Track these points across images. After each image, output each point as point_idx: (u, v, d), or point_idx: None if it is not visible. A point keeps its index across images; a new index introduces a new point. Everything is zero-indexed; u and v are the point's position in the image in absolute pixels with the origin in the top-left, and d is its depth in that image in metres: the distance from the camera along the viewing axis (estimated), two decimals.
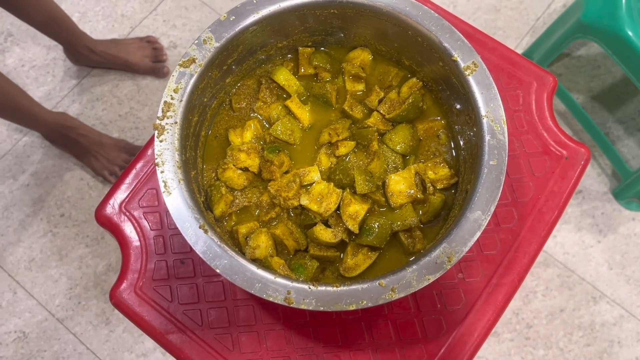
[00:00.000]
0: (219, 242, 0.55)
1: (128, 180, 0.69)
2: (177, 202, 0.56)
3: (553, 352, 1.32)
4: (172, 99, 0.60)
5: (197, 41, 0.62)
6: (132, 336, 1.35)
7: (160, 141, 0.58)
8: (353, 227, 0.64)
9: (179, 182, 0.57)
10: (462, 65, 0.61)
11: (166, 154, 0.58)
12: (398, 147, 0.67)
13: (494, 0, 1.59)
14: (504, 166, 0.57)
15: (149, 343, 1.35)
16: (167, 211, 0.67)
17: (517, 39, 1.55)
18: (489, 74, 0.60)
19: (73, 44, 1.44)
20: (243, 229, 0.64)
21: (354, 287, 0.54)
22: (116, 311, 1.35)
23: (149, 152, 0.71)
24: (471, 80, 0.60)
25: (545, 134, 0.69)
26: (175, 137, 0.59)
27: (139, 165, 0.70)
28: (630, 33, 1.11)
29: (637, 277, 1.37)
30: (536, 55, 1.43)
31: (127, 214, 0.67)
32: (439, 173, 0.66)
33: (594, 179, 1.44)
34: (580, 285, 1.37)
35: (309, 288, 0.54)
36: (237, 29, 0.63)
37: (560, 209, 0.66)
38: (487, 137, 0.58)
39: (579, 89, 1.51)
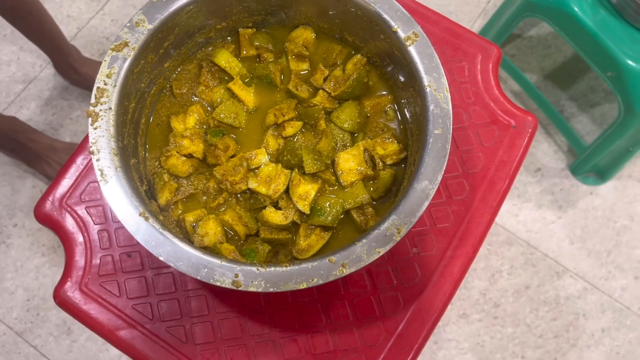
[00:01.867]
0: (160, 229, 0.53)
1: (68, 174, 0.67)
2: (114, 190, 0.54)
3: (521, 329, 1.33)
4: (105, 84, 0.57)
5: (129, 24, 0.60)
6: (95, 344, 1.31)
7: (95, 128, 0.56)
8: (304, 207, 0.62)
9: (116, 169, 0.55)
10: (403, 36, 0.60)
11: (101, 141, 0.56)
12: (346, 125, 0.66)
13: None
14: (449, 134, 0.56)
15: (114, 351, 1.32)
16: None
17: (469, 22, 1.56)
18: (430, 44, 0.59)
19: (59, 59, 1.40)
20: (190, 217, 0.62)
21: (303, 265, 0.53)
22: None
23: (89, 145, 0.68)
24: (412, 51, 0.59)
25: (492, 104, 0.69)
26: (110, 123, 0.56)
27: (79, 159, 0.67)
28: (576, 9, 1.13)
29: (597, 250, 1.39)
30: (488, 36, 1.44)
31: (69, 209, 0.65)
32: (388, 149, 0.65)
33: (551, 157, 1.46)
34: (544, 261, 1.38)
35: (257, 270, 0.52)
36: (170, 10, 0.60)
37: (511, 177, 0.66)
38: (430, 107, 0.57)
39: (532, 69, 1.53)
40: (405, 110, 0.65)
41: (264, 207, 0.63)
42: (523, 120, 0.68)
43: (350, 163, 0.64)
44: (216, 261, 0.53)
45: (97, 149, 0.55)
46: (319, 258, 0.53)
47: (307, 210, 0.62)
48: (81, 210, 0.65)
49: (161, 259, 0.52)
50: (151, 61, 0.62)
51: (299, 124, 0.66)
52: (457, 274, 0.63)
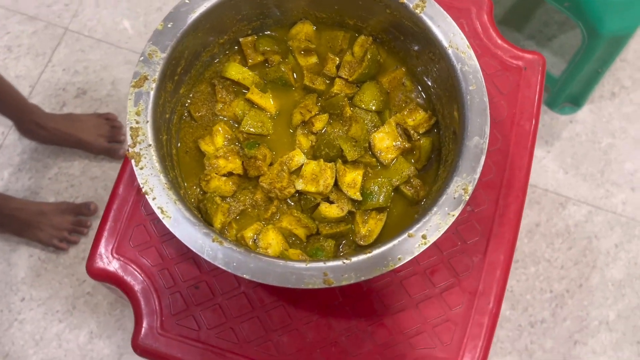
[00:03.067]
0: (238, 249, 0.53)
1: (109, 225, 0.65)
2: (180, 224, 0.53)
3: (542, 266, 1.37)
4: (137, 122, 0.56)
5: (142, 57, 0.58)
6: None
7: (141, 168, 0.55)
8: (355, 195, 0.63)
9: (175, 203, 0.54)
10: (411, 5, 0.61)
11: (151, 179, 0.54)
12: (371, 105, 0.66)
13: None
14: (484, 87, 0.58)
15: None
16: (164, 241, 0.63)
17: None
18: (438, 6, 0.60)
19: (22, 119, 1.33)
20: (249, 233, 0.61)
21: (386, 246, 0.53)
22: None
23: (120, 190, 0.66)
24: (424, 17, 0.60)
25: (499, 53, 0.70)
26: (154, 159, 0.55)
27: (115, 207, 0.65)
28: None
29: (591, 173, 1.45)
30: None
31: (122, 258, 0.63)
32: (417, 118, 0.66)
33: None
34: (546, 196, 1.43)
35: (344, 263, 0.52)
36: (178, 35, 0.59)
37: (536, 117, 0.68)
38: (458, 66, 0.59)
39: None
40: (424, 77, 0.66)
41: (317, 205, 0.63)
42: (531, 61, 0.70)
43: (386, 141, 0.65)
44: (301, 265, 0.52)
45: (149, 189, 0.54)
46: (397, 236, 0.54)
47: (359, 197, 0.63)
48: (135, 256, 0.63)
49: (247, 277, 0.52)
50: (169, 90, 0.61)
51: (325, 116, 0.66)
52: (514, 220, 0.65)
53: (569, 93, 1.43)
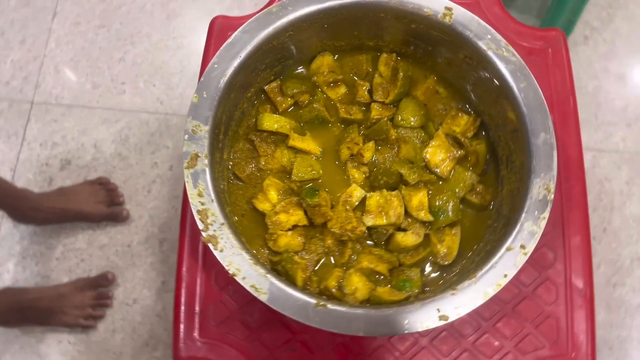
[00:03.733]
0: (343, 308, 0.51)
1: (183, 310, 0.62)
2: (280, 297, 0.51)
3: None
4: (202, 204, 0.53)
5: (186, 136, 0.55)
6: None
7: (221, 251, 0.52)
8: (426, 216, 0.61)
9: (266, 276, 0.52)
10: (438, 16, 0.59)
11: (236, 259, 0.52)
12: (413, 122, 0.65)
13: None
14: (535, 82, 0.57)
15: None
16: (244, 311, 0.61)
17: None
18: (465, 10, 0.59)
19: (15, 207, 1.26)
20: (332, 282, 0.60)
21: (488, 266, 0.52)
22: None
23: (184, 273, 0.63)
24: (456, 25, 0.59)
25: (520, 39, 0.70)
26: (231, 238, 0.53)
27: (184, 291, 0.62)
28: None
29: (586, 119, 1.47)
30: None
31: (209, 341, 0.60)
32: (461, 124, 0.65)
33: None
34: None
35: (452, 294, 0.51)
36: (216, 102, 0.57)
37: (572, 93, 0.68)
38: (502, 66, 0.58)
39: None
40: (462, 81, 0.65)
41: (390, 236, 0.61)
42: (553, 38, 0.70)
43: (439, 155, 0.64)
44: (412, 307, 0.51)
45: (236, 269, 0.51)
46: (496, 251, 0.53)
47: (430, 218, 0.62)
48: (221, 334, 0.60)
49: (361, 334, 0.50)
50: (219, 160, 0.59)
51: (372, 144, 0.65)
52: (581, 200, 0.65)
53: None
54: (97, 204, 1.34)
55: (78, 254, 1.37)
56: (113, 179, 1.39)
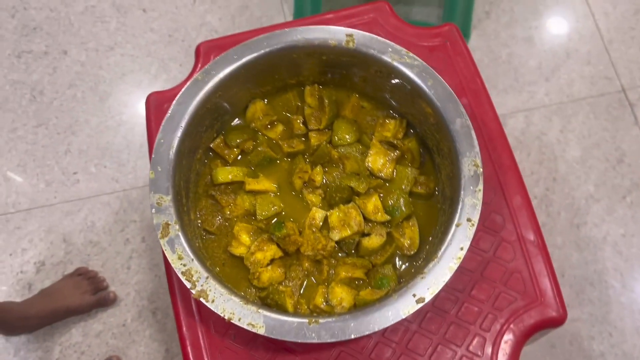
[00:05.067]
0: (333, 319, 0.57)
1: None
2: (276, 326, 0.56)
3: None
4: (184, 265, 0.59)
5: (153, 209, 0.61)
6: None
7: (212, 302, 0.58)
8: (383, 217, 0.68)
9: (259, 312, 0.57)
10: (343, 43, 0.67)
11: (228, 305, 0.57)
12: (348, 139, 0.72)
13: None
14: (439, 77, 0.65)
15: None
16: (250, 348, 0.66)
17: (279, 13, 1.66)
18: (364, 32, 0.67)
19: (3, 321, 1.27)
20: (319, 300, 0.65)
21: (445, 244, 0.59)
22: None
23: (185, 331, 0.68)
24: (359, 47, 0.67)
25: (420, 41, 0.78)
26: (217, 287, 0.58)
27: (190, 349, 0.67)
28: None
29: (508, 85, 1.58)
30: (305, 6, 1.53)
31: None
32: (391, 128, 0.73)
33: None
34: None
35: (422, 278, 0.58)
36: (171, 172, 0.62)
37: (477, 74, 0.77)
38: (408, 72, 0.66)
39: None
40: (379, 93, 0.73)
41: (358, 243, 0.68)
42: (448, 33, 0.79)
43: (379, 161, 0.71)
44: (391, 299, 0.57)
45: (231, 314, 0.57)
46: (447, 231, 0.60)
47: (387, 217, 0.68)
48: None
49: (354, 336, 0.56)
50: (187, 222, 0.64)
51: (319, 168, 0.71)
52: (511, 163, 0.73)
53: None
54: (82, 295, 1.36)
55: (77, 349, 1.38)
56: (90, 266, 1.42)
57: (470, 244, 0.59)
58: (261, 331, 0.56)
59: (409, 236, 0.68)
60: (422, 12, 1.65)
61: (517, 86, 1.58)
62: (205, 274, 0.58)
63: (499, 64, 1.60)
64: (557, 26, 1.64)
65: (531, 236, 0.70)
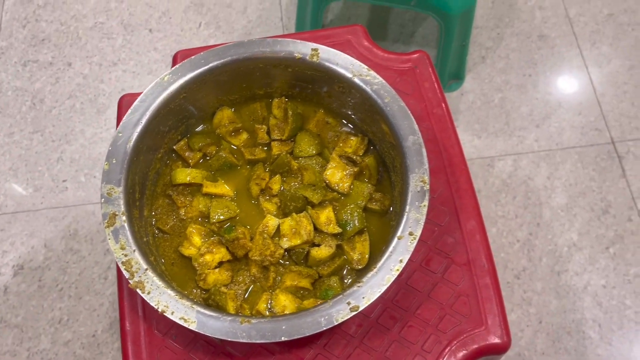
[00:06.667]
0: (266, 320, 0.57)
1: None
2: (206, 323, 0.56)
3: (500, 223, 1.48)
4: (125, 256, 0.59)
5: (103, 199, 0.62)
6: None
7: (148, 293, 0.58)
8: (335, 229, 0.69)
9: (192, 307, 0.57)
10: (307, 57, 0.69)
11: (163, 298, 0.58)
12: (310, 151, 0.74)
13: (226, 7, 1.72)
14: (396, 95, 0.66)
15: None
16: (190, 349, 0.66)
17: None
18: (329, 48, 0.69)
19: None
20: (262, 305, 0.65)
21: (385, 256, 0.59)
22: None
23: (128, 326, 0.67)
24: (322, 62, 0.69)
25: (390, 64, 0.80)
26: (155, 280, 0.59)
27: (130, 344, 0.67)
28: None
29: (499, 128, 1.60)
30: (305, 23, 1.56)
31: None
32: (352, 144, 0.74)
33: None
34: (474, 164, 1.55)
35: (358, 286, 0.58)
36: (125, 166, 0.64)
37: (443, 100, 0.78)
38: (368, 89, 0.67)
39: None
40: (343, 109, 0.74)
41: (307, 253, 0.68)
42: (418, 59, 0.81)
43: (337, 174, 0.72)
44: (326, 305, 0.57)
45: (165, 306, 0.57)
46: (388, 244, 0.60)
47: (339, 230, 0.69)
48: None
49: (285, 339, 0.56)
50: (137, 216, 0.65)
51: (278, 177, 0.72)
52: (468, 188, 0.73)
53: (449, 72, 1.59)
54: None
55: (44, 355, 1.37)
56: (67, 274, 1.42)
57: (421, 264, 0.60)
58: (193, 326, 0.56)
59: (359, 250, 0.68)
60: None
61: (508, 130, 1.60)
62: (145, 266, 0.59)
63: (491, 107, 1.62)
64: (551, 76, 1.67)
65: (482, 261, 0.70)
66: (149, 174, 0.70)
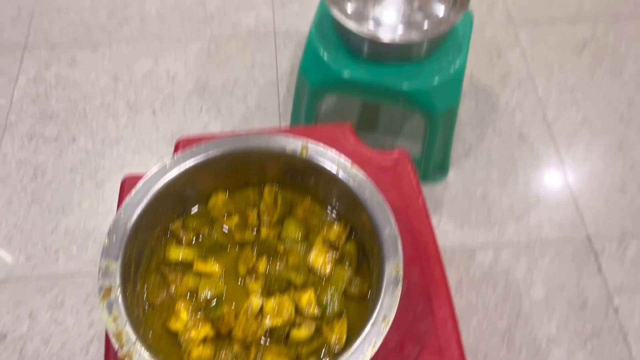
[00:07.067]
0: None
1: None
2: None
3: (481, 312, 1.52)
4: (117, 328, 0.63)
5: (100, 272, 0.67)
6: None
7: None
8: (315, 311, 0.73)
9: None
10: (297, 152, 0.77)
11: None
12: (296, 236, 0.79)
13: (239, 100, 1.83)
14: (376, 190, 0.73)
15: None
16: None
17: (273, 117, 1.80)
18: (318, 146, 0.77)
19: None
20: None
21: (360, 338, 0.63)
22: None
23: None
24: (312, 157, 0.76)
25: (372, 160, 0.88)
26: (142, 351, 0.62)
27: None
28: (348, 76, 1.41)
29: (480, 219, 1.67)
30: (300, 115, 1.67)
31: None
32: (335, 232, 0.80)
33: None
34: (455, 254, 1.61)
35: None
36: (124, 243, 0.69)
37: (420, 193, 0.85)
38: (350, 182, 0.74)
39: None
40: (328, 198, 0.81)
41: (288, 333, 0.72)
42: (398, 157, 0.89)
43: (320, 259, 0.77)
44: None
45: None
46: (363, 328, 0.65)
47: (319, 312, 0.73)
48: None
49: None
50: (131, 291, 0.70)
51: (264, 259, 0.78)
52: (441, 278, 0.79)
53: (434, 165, 1.68)
54: None
55: None
56: (49, 345, 1.43)
57: (395, 348, 0.63)
58: None
59: (337, 332, 0.72)
60: (406, 144, 1.80)
61: (489, 223, 1.67)
62: (134, 339, 0.63)
63: (473, 200, 1.70)
64: (530, 173, 1.76)
65: (452, 350, 0.74)
66: (145, 250, 0.75)
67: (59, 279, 1.53)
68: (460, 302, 1.52)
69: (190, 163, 0.74)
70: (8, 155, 1.71)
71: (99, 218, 1.62)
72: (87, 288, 1.52)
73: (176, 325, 0.73)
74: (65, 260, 1.55)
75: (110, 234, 0.69)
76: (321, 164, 0.76)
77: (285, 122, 1.81)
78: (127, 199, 0.71)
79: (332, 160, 0.76)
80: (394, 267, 0.68)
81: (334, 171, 0.75)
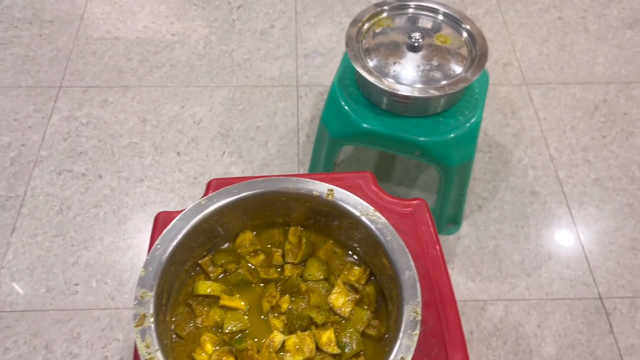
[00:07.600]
0: None
1: None
2: None
3: None
4: (149, 354, 0.67)
5: (135, 301, 0.71)
6: None
7: None
8: (334, 350, 0.76)
9: None
10: (324, 195, 0.82)
11: None
12: (318, 276, 0.83)
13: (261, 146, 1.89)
14: (397, 235, 0.78)
15: None
16: None
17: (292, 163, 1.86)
18: (343, 190, 0.82)
19: None
20: None
21: None
22: None
23: None
24: (336, 201, 0.81)
25: (393, 207, 0.93)
26: None
27: None
28: (368, 126, 1.48)
29: (492, 274, 1.69)
30: (319, 162, 1.72)
31: None
32: (355, 274, 0.84)
33: None
34: (467, 306, 1.63)
35: None
36: (159, 274, 0.74)
37: (437, 242, 0.89)
38: (373, 227, 0.79)
39: None
40: (350, 242, 0.85)
41: None
42: (417, 205, 0.93)
43: (340, 299, 0.81)
44: None
45: None
46: None
47: (338, 351, 0.76)
48: None
49: None
50: (162, 320, 0.73)
51: (287, 297, 0.81)
52: (457, 325, 0.81)
53: (447, 217, 1.72)
54: None
55: None
56: None
57: None
58: None
59: None
60: (420, 196, 1.84)
61: (500, 276, 1.69)
62: None
63: (485, 253, 1.73)
64: (542, 229, 1.79)
65: None
66: (175, 283, 0.79)
67: (77, 311, 1.56)
68: (470, 355, 1.53)
69: (223, 201, 0.80)
70: (37, 188, 1.78)
71: (119, 253, 1.67)
72: (103, 323, 1.55)
73: (201, 356, 0.76)
74: (83, 294, 1.59)
75: (146, 265, 0.74)
76: (346, 207, 0.80)
77: (304, 169, 1.87)
78: (163, 233, 0.76)
79: (356, 205, 0.80)
80: (412, 310, 0.71)
81: (357, 215, 0.80)
